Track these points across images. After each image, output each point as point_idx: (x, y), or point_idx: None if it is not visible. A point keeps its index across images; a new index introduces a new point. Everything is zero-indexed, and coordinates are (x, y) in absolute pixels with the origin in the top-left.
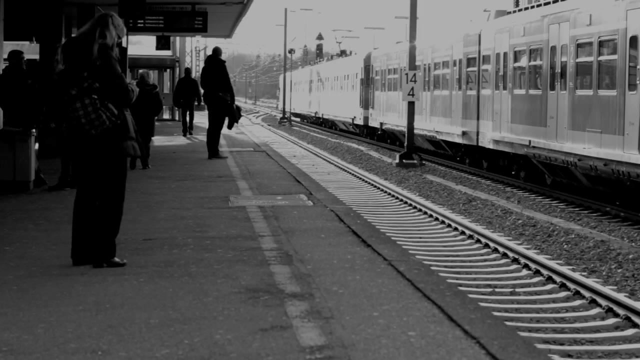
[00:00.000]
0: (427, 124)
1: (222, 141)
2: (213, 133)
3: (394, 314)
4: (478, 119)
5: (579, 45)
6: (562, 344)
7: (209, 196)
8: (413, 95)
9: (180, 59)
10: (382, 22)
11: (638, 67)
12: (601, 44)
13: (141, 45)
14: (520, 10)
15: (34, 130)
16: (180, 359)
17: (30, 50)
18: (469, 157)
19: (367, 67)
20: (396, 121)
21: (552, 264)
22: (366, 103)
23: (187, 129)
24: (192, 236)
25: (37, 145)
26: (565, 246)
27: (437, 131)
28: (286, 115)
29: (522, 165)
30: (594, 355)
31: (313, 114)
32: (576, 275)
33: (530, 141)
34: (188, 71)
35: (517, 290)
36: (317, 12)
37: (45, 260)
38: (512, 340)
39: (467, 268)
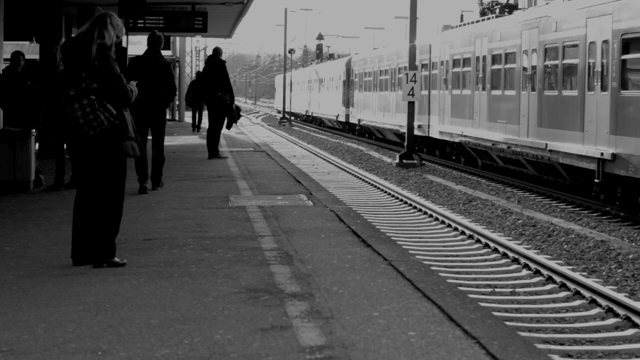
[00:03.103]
0: (393, 119)
1: (222, 141)
2: (213, 133)
3: (394, 314)
4: (429, 114)
5: (493, 56)
6: (562, 344)
7: (209, 196)
8: (413, 95)
9: (180, 59)
10: (382, 22)
11: (527, 73)
12: (507, 55)
13: (141, 45)
14: (460, 26)
15: (34, 130)
16: (180, 359)
17: (30, 50)
18: (425, 147)
19: (349, 70)
20: (370, 118)
21: (552, 264)
22: (347, 102)
23: (197, 126)
24: (192, 236)
25: (37, 145)
26: (565, 246)
27: (400, 125)
28: (285, 115)
29: (460, 152)
30: (594, 355)
31: (304, 113)
32: (576, 275)
33: (462, 131)
34: (199, 74)
35: (517, 290)
36: (317, 12)
37: (45, 260)
38: (512, 340)
39: (467, 268)
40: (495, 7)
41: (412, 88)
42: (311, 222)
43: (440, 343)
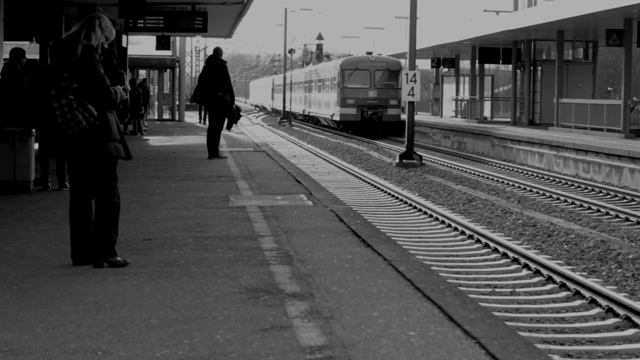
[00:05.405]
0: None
1: (222, 141)
2: (213, 133)
3: (394, 314)
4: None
5: None
6: (562, 344)
7: (209, 196)
8: (413, 95)
9: (180, 59)
10: (382, 22)
11: None
12: None
13: (141, 45)
14: None
15: (34, 130)
16: (180, 359)
17: (30, 50)
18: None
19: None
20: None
21: (552, 264)
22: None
23: (203, 119)
24: (192, 236)
25: (37, 145)
26: (565, 246)
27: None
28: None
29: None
30: (594, 355)
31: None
32: (576, 275)
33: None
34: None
35: (517, 290)
36: (317, 12)
37: (45, 260)
38: (512, 340)
39: (467, 268)
40: None
41: (412, 88)
42: (311, 222)
43: (440, 343)
